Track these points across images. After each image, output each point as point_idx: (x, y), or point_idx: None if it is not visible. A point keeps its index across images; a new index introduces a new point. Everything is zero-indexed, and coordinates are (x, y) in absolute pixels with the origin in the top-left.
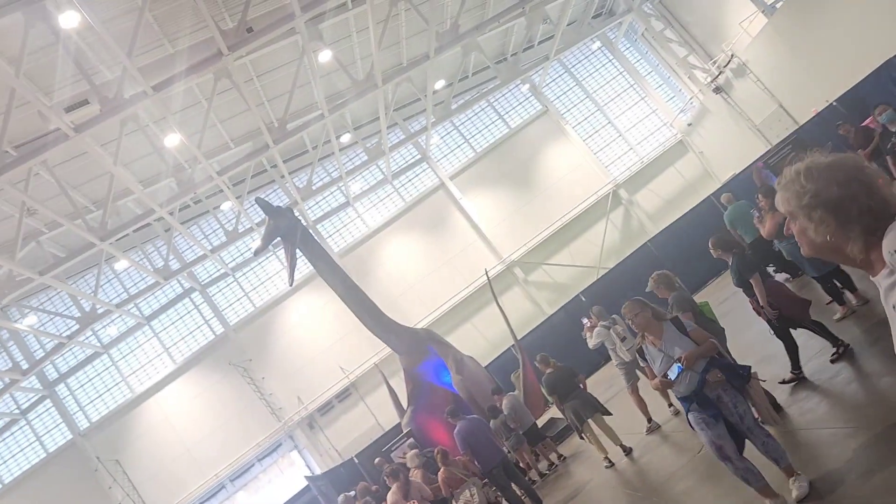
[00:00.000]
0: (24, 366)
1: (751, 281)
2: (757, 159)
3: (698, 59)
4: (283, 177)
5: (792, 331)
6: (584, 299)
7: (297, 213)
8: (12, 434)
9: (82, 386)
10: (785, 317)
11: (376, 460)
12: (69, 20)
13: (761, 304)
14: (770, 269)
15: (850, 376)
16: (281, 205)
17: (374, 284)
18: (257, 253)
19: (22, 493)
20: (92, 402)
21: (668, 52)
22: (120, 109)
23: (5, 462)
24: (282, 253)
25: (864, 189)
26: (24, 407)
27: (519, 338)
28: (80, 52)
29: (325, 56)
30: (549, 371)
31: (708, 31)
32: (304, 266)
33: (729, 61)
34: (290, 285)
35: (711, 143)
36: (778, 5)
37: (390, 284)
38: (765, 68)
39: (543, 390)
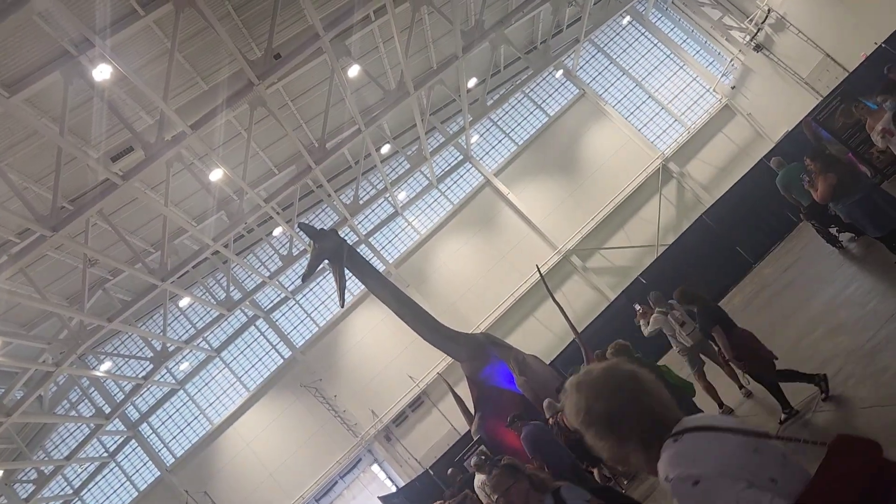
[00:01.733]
0: (107, 410)
1: (712, 334)
2: (808, 113)
3: (734, 19)
4: (329, 195)
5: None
6: (644, 281)
7: (346, 230)
8: (104, 477)
9: (163, 423)
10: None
11: (449, 471)
12: (101, 73)
13: (726, 358)
14: (833, 230)
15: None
16: (332, 223)
17: (432, 291)
18: (305, 279)
19: None
20: (175, 437)
21: (702, 16)
22: (162, 153)
23: None
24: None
25: (634, 401)
26: (111, 449)
27: (583, 328)
28: (118, 101)
29: (354, 71)
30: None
31: None
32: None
33: (766, 16)
34: (342, 307)
35: (759, 103)
36: None
37: (448, 289)
38: (805, 18)
39: None
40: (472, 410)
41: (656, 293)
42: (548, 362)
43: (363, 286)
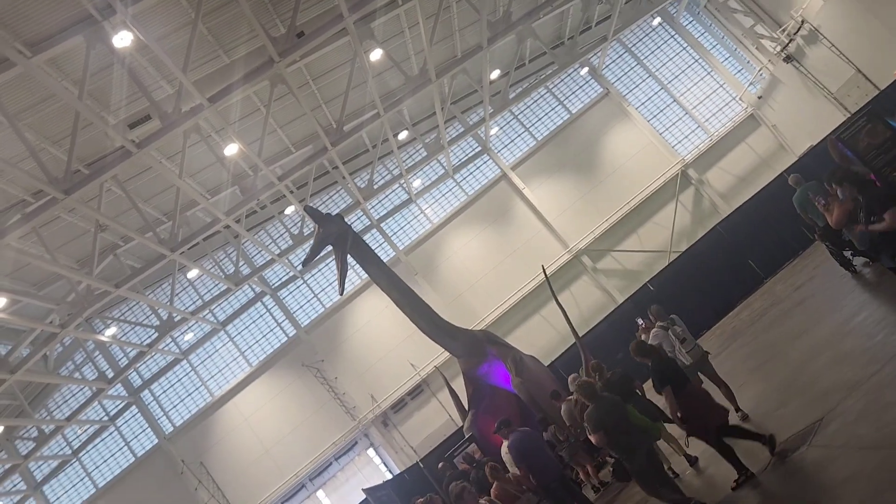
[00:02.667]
0: (110, 374)
1: (663, 394)
2: (833, 130)
3: (766, 28)
4: (344, 178)
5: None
6: (651, 288)
7: (359, 213)
8: (103, 440)
9: (165, 392)
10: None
11: (439, 465)
12: (122, 40)
13: (671, 417)
14: (847, 253)
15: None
16: (345, 205)
17: (440, 280)
18: (305, 264)
19: (114, 497)
20: (175, 406)
21: (733, 22)
22: (179, 123)
23: (98, 467)
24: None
25: None
26: (112, 414)
27: (587, 330)
28: (139, 68)
29: (377, 55)
30: (600, 383)
31: None
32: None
33: (799, 28)
34: (341, 294)
35: (785, 115)
36: None
37: (456, 280)
38: (839, 32)
39: None
40: (466, 407)
41: (657, 307)
42: (549, 362)
43: (367, 274)
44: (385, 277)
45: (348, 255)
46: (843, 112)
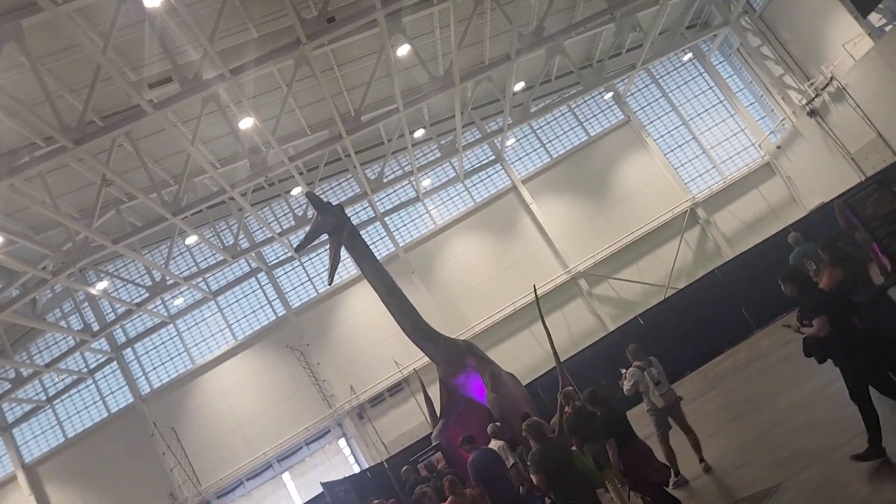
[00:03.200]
0: (95, 328)
1: (607, 445)
2: (844, 192)
3: (794, 79)
4: (355, 167)
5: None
6: (641, 322)
7: (364, 204)
8: (79, 391)
9: (147, 352)
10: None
11: (403, 469)
12: (153, 0)
13: (613, 468)
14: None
15: None
16: (352, 194)
17: (436, 282)
18: (299, 250)
19: (82, 449)
20: (155, 368)
21: (763, 69)
22: (198, 90)
23: (70, 418)
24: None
25: None
26: (92, 367)
27: (571, 354)
28: (167, 30)
29: (404, 50)
30: (568, 411)
31: (807, 51)
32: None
33: (827, 84)
34: (329, 284)
35: (800, 168)
36: (887, 28)
37: (452, 283)
38: (866, 94)
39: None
40: (438, 414)
41: (635, 346)
42: (531, 379)
43: (358, 268)
44: (376, 274)
45: (342, 247)
46: (859, 174)
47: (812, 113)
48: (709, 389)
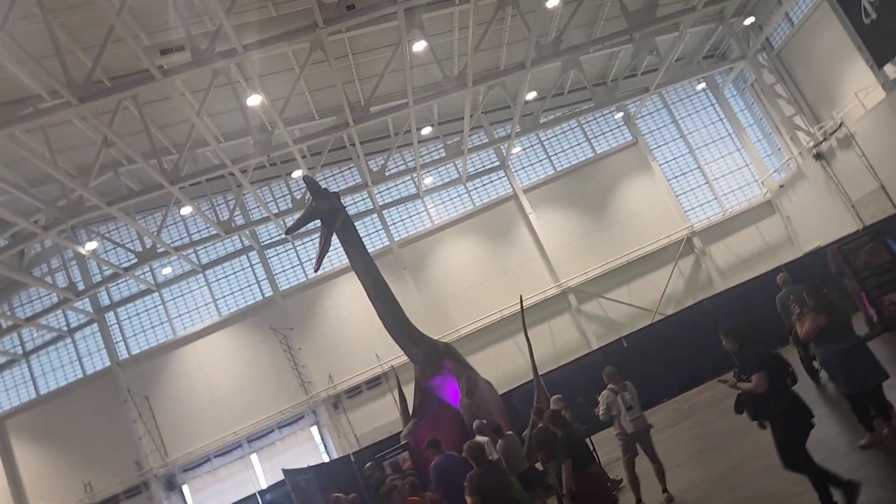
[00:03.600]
0: (81, 287)
1: (562, 467)
2: (839, 239)
3: (805, 120)
4: (359, 157)
5: None
6: (625, 344)
7: (364, 195)
8: (57, 349)
9: (129, 318)
10: None
11: (367, 465)
12: None
13: (563, 492)
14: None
15: None
16: (353, 184)
17: (426, 280)
18: (289, 233)
19: (53, 407)
20: (135, 335)
21: (775, 107)
22: (207, 63)
23: (45, 374)
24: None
25: None
26: (72, 326)
27: (551, 368)
28: None
29: (420, 45)
30: (539, 426)
31: (820, 94)
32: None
33: (836, 129)
34: (315, 271)
35: (800, 209)
36: None
37: (443, 284)
38: (873, 144)
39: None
40: (410, 413)
41: (612, 369)
42: (510, 388)
43: (347, 258)
44: (364, 266)
45: (334, 236)
46: (858, 222)
47: (818, 156)
48: (682, 420)
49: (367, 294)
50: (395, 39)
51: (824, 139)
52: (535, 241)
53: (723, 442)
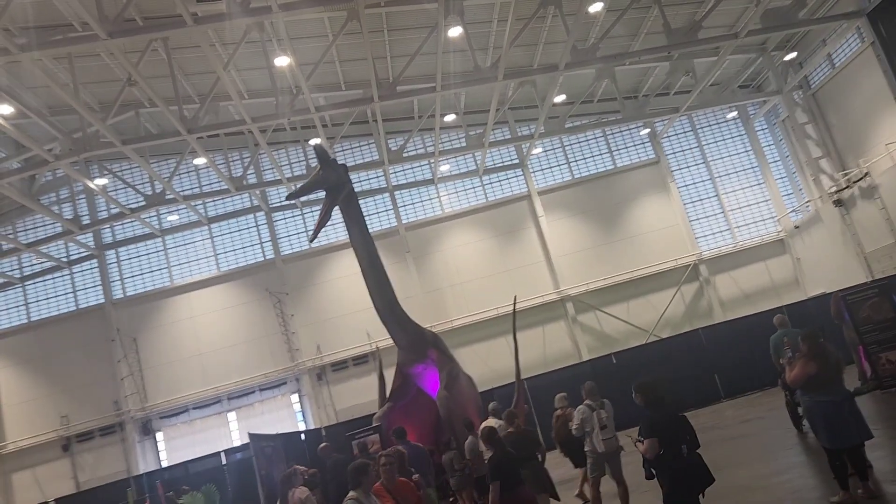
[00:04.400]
0: (85, 221)
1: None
2: (847, 288)
3: (830, 164)
4: (379, 134)
5: None
6: (614, 360)
7: (379, 172)
8: (53, 279)
9: (129, 259)
10: None
11: (321, 446)
12: None
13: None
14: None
15: None
16: (369, 159)
17: (427, 268)
18: (291, 197)
19: (41, 335)
20: (133, 276)
21: (803, 147)
22: (241, 16)
23: (38, 302)
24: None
25: None
26: (72, 258)
27: (542, 373)
28: None
29: (456, 31)
30: (509, 431)
31: (850, 141)
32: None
33: (861, 178)
34: (310, 241)
35: (812, 252)
36: None
37: (443, 273)
38: (895, 198)
39: None
40: (387, 396)
41: (592, 384)
42: (492, 387)
43: (347, 232)
44: (363, 243)
45: (336, 208)
46: (868, 275)
47: (838, 202)
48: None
49: (362, 271)
50: (432, 21)
51: (847, 186)
52: (541, 244)
53: None
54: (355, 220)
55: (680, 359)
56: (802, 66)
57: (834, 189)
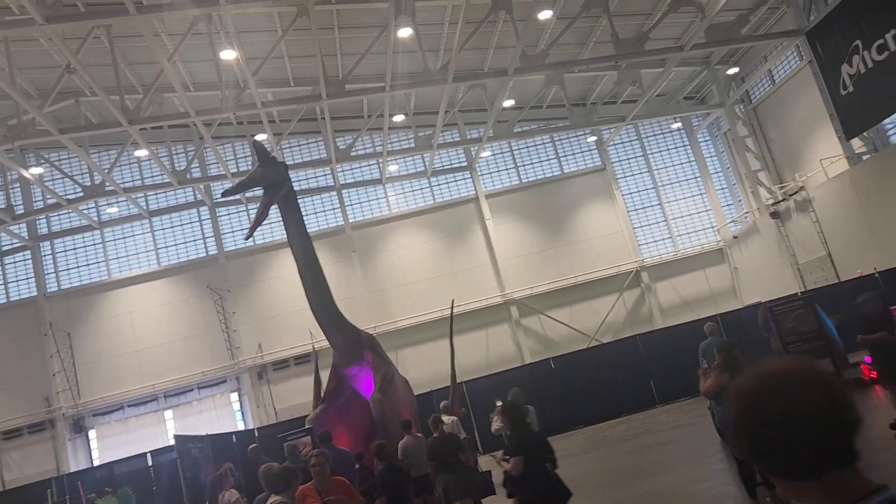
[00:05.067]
0: (19, 210)
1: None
2: (776, 298)
3: (768, 177)
4: (328, 132)
5: None
6: (553, 366)
7: (326, 171)
8: None
9: (65, 251)
10: None
11: (251, 447)
12: None
13: None
14: None
15: None
16: (317, 157)
17: (372, 268)
18: (227, 194)
19: None
20: (68, 269)
21: (743, 160)
22: (189, 6)
23: None
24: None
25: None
26: (3, 248)
27: (483, 376)
28: None
29: (406, 32)
30: (434, 435)
31: (787, 155)
32: (313, 224)
33: (796, 192)
34: (246, 239)
35: (749, 263)
36: (865, 157)
37: (389, 273)
38: (828, 213)
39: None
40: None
41: (517, 390)
42: (432, 389)
43: (285, 231)
44: (300, 243)
45: (274, 206)
46: (801, 286)
47: (775, 214)
48: (590, 449)
49: (299, 271)
50: (383, 21)
51: (783, 199)
52: (488, 247)
53: (617, 481)
54: (293, 220)
55: (619, 364)
56: (744, 80)
57: (771, 201)
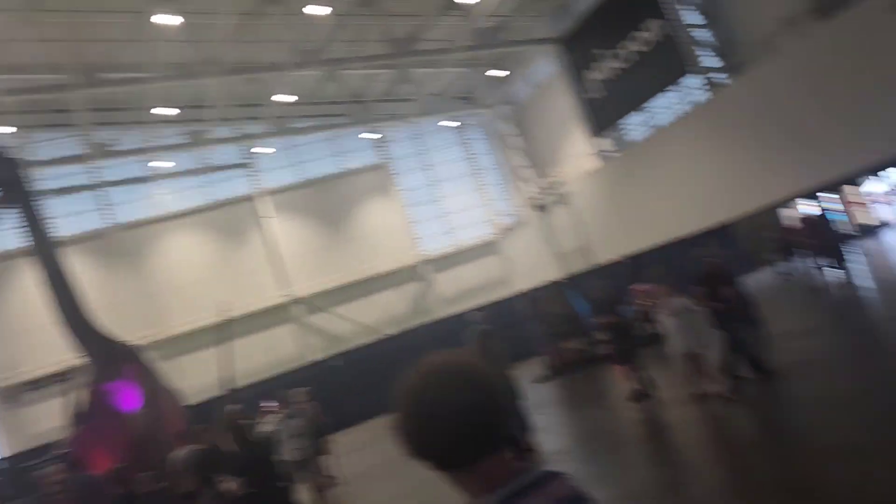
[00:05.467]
0: None
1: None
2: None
3: (533, 173)
4: (84, 126)
5: None
6: (341, 364)
7: (81, 167)
8: None
9: None
10: None
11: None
12: None
13: None
14: None
15: None
16: (71, 154)
17: (143, 272)
18: None
19: None
20: None
21: (510, 157)
22: None
23: None
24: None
25: None
26: None
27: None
28: None
29: (164, 19)
30: (197, 448)
31: (549, 153)
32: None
33: (556, 187)
34: None
35: (519, 252)
36: (615, 155)
37: (159, 278)
38: (585, 205)
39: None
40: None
41: (297, 391)
42: (211, 397)
43: (30, 237)
44: (43, 248)
45: (11, 209)
46: (564, 273)
47: (540, 207)
48: (365, 447)
49: (43, 281)
50: (137, 5)
51: (546, 193)
52: (269, 246)
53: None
54: (33, 223)
55: (402, 358)
56: (510, 83)
57: (536, 195)
